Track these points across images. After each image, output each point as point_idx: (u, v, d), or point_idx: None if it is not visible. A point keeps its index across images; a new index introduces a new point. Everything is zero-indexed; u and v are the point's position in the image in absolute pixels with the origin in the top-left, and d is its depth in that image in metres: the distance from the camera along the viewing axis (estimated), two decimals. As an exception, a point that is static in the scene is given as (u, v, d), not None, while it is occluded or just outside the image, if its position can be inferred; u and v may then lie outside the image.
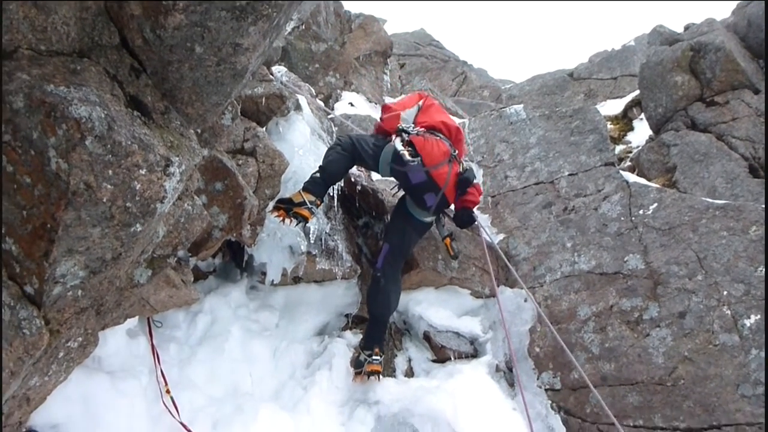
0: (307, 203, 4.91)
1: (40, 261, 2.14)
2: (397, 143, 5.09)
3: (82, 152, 2.04)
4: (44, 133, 2.05)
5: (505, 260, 5.61)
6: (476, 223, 5.88)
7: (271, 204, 5.02)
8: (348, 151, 5.29)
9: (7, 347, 2.10)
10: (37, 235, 2.13)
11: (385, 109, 5.80)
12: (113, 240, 2.24)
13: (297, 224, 4.97)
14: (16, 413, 2.43)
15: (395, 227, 5.54)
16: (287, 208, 4.89)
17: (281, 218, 4.86)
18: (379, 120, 5.75)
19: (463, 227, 5.95)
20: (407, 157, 4.95)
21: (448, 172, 5.18)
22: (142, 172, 2.17)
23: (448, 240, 5.72)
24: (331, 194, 5.78)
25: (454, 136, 5.47)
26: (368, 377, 5.10)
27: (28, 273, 2.18)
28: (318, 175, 5.14)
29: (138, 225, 2.26)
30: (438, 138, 5.25)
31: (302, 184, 5.09)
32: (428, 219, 5.50)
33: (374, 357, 5.12)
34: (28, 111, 2.05)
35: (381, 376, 5.15)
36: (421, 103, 5.68)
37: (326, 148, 6.22)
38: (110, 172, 2.10)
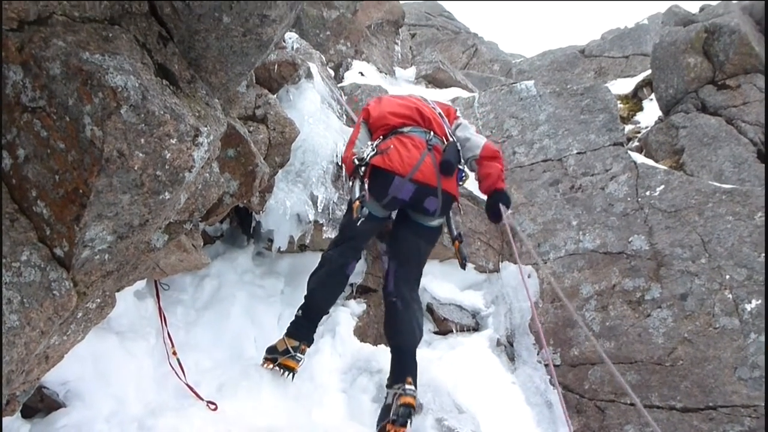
0: (290, 350, 4.32)
1: (71, 225, 2.18)
2: (355, 190, 4.37)
3: (117, 121, 2.06)
4: (80, 101, 2.07)
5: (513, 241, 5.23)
6: (504, 219, 4.61)
7: (262, 357, 4.48)
8: (332, 263, 4.50)
9: (38, 307, 2.16)
10: (69, 199, 2.16)
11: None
12: (141, 207, 2.27)
13: (287, 374, 4.40)
14: (35, 370, 2.51)
15: (401, 242, 4.67)
16: (273, 358, 4.38)
17: (272, 368, 4.39)
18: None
19: (496, 221, 4.83)
20: (354, 215, 4.17)
21: (433, 164, 4.37)
22: (173, 141, 2.20)
23: (457, 244, 4.63)
24: (339, 164, 5.78)
25: (420, 118, 4.65)
26: (400, 421, 4.01)
27: (59, 236, 2.21)
28: (300, 313, 4.47)
29: (166, 193, 2.29)
30: (402, 134, 4.50)
31: (289, 324, 4.51)
32: (436, 222, 4.65)
33: (407, 387, 4.11)
34: (64, 78, 2.07)
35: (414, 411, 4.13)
36: (362, 119, 4.88)
37: (335, 118, 6.20)
38: (143, 140, 2.12)
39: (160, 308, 4.51)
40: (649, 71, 9.88)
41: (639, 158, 6.57)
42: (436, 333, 5.82)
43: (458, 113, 5.11)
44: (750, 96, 7.45)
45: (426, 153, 4.38)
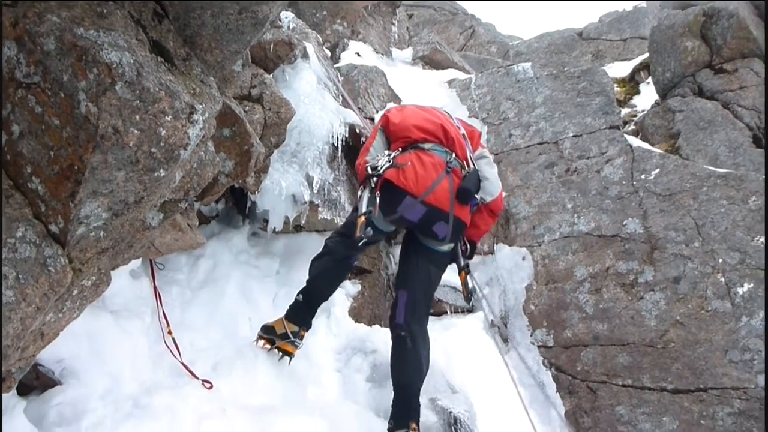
0: (290, 336, 4.33)
1: (66, 201, 2.18)
2: (363, 201, 4.01)
3: (112, 97, 2.06)
4: (75, 77, 2.07)
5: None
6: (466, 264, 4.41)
7: (257, 333, 4.50)
8: (336, 253, 4.37)
9: (33, 283, 2.18)
10: (64, 176, 2.17)
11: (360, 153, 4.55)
12: (137, 184, 2.27)
13: (281, 357, 4.43)
14: (31, 347, 2.52)
15: (411, 267, 4.32)
16: (271, 339, 4.38)
17: (269, 349, 4.41)
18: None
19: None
20: (357, 233, 3.81)
21: (449, 189, 4.00)
22: (168, 118, 2.20)
23: (463, 275, 4.29)
24: (336, 145, 5.77)
25: (444, 137, 4.24)
26: None
27: (54, 213, 2.22)
28: (300, 298, 4.41)
29: (161, 170, 2.29)
30: (422, 151, 4.10)
31: (284, 312, 4.46)
32: (446, 247, 4.24)
33: None
34: (59, 54, 2.07)
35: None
36: (380, 125, 4.49)
37: (331, 99, 6.18)
38: (137, 117, 2.12)
39: (155, 287, 4.51)
40: (647, 54, 9.88)
41: (635, 142, 6.59)
42: (430, 314, 5.84)
43: (482, 140, 4.86)
44: (747, 80, 7.46)
45: (443, 175, 4.01)
